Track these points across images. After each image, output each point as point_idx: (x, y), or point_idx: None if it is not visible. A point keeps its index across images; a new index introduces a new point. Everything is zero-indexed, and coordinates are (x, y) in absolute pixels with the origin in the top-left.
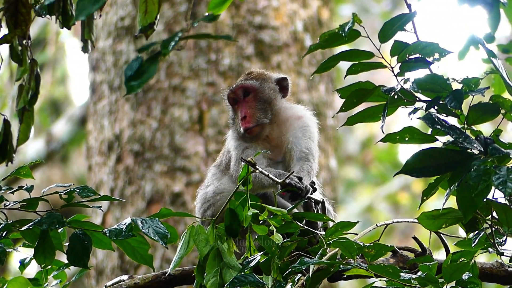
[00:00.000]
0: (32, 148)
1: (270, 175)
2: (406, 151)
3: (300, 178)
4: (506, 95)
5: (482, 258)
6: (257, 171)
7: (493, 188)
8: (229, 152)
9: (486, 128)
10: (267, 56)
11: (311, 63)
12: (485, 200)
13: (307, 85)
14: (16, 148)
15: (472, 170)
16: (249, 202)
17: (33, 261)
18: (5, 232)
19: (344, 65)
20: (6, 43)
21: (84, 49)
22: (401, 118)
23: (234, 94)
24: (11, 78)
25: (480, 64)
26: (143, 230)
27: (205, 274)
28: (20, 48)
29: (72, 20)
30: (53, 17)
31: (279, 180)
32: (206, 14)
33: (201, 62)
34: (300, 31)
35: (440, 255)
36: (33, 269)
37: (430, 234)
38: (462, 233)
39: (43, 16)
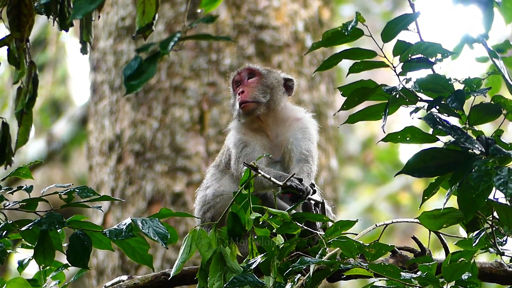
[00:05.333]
0: (33, 148)
1: (272, 178)
2: (406, 151)
3: (300, 180)
4: (506, 95)
5: (482, 258)
6: (259, 174)
7: (494, 188)
8: (229, 150)
9: (486, 129)
10: (268, 56)
11: (312, 63)
12: (486, 200)
13: (308, 85)
14: (15, 151)
15: (473, 170)
16: (251, 205)
17: (32, 262)
18: (5, 231)
19: (346, 65)
20: (5, 45)
21: (83, 51)
22: (402, 118)
23: (239, 76)
24: (12, 78)
25: (474, 64)
26: (143, 230)
27: (208, 278)
28: (17, 50)
29: (68, 19)
30: (49, 18)
31: (280, 183)
32: (201, 14)
33: (202, 62)
34: (300, 31)
35: (439, 256)
36: (32, 270)
37: (430, 234)
38: (461, 233)
39: (42, 13)
